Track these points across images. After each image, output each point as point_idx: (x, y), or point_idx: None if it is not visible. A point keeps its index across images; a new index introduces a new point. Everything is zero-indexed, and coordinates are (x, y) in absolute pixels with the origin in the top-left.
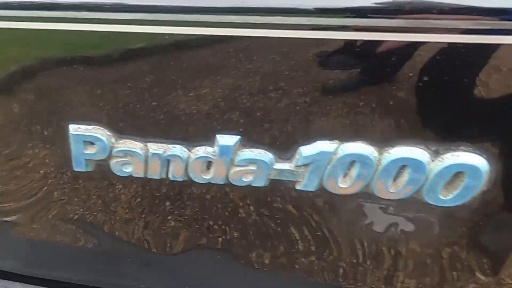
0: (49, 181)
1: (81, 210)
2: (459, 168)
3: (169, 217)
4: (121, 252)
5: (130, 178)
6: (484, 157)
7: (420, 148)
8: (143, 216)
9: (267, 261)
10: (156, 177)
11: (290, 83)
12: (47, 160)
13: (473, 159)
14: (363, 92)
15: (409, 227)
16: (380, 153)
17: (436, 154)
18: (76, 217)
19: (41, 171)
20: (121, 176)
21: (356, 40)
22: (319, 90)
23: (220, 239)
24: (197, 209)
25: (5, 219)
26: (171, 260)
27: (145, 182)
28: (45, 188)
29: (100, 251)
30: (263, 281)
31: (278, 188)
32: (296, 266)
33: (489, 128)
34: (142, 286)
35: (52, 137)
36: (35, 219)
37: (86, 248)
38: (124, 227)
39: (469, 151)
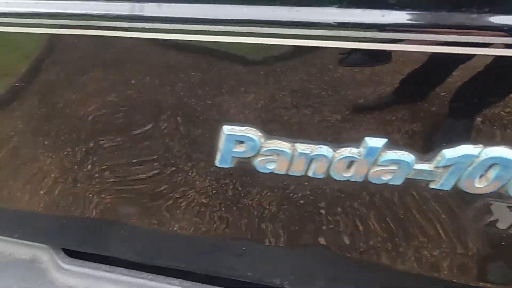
0: (189, 175)
1: (217, 203)
2: None
3: (302, 209)
4: (249, 243)
5: (271, 175)
6: None
7: None
8: (275, 208)
9: (395, 255)
10: (297, 174)
11: (436, 92)
12: (189, 156)
13: None
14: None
15: None
16: None
17: None
18: (210, 209)
19: (183, 167)
20: (262, 173)
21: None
22: (463, 97)
23: (348, 230)
24: (329, 203)
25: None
26: (304, 254)
27: (284, 178)
28: (184, 182)
29: (232, 241)
30: (396, 276)
31: (413, 186)
32: (423, 261)
33: None
34: (286, 282)
35: (202, 136)
36: (171, 211)
37: (220, 238)
38: (255, 220)
39: None
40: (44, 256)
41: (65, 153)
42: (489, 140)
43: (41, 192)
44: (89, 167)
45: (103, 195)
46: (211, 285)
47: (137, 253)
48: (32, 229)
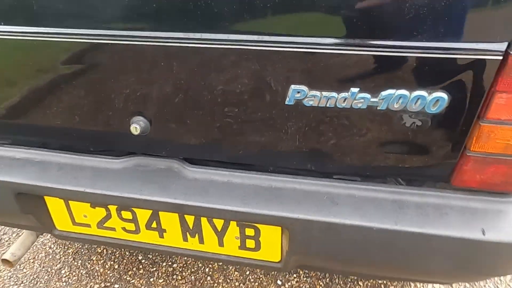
0: (271, 109)
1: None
2: None
3: (329, 126)
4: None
5: (311, 107)
6: None
7: None
8: (313, 124)
9: None
10: (325, 106)
11: None
12: (270, 100)
13: None
14: None
15: None
16: None
17: None
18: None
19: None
20: (306, 106)
21: None
22: None
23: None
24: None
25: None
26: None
27: (316, 108)
28: (268, 112)
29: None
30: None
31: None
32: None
33: None
34: None
35: (280, 90)
36: (260, 128)
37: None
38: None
39: None
40: (175, 164)
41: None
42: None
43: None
44: (222, 113)
45: (216, 126)
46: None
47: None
48: (169, 148)
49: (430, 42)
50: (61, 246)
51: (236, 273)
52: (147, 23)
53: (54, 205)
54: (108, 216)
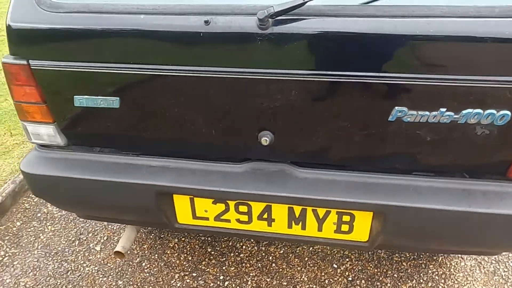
0: (375, 125)
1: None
2: None
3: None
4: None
5: (410, 123)
6: None
7: None
8: (413, 136)
9: None
10: (424, 121)
11: None
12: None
13: None
14: None
15: None
16: None
17: None
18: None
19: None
20: (404, 122)
21: None
22: None
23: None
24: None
25: None
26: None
27: (415, 124)
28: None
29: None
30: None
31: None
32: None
33: None
34: None
35: (383, 110)
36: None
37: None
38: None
39: None
40: (286, 167)
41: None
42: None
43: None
44: (335, 127)
45: (329, 137)
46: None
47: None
48: (283, 154)
49: (501, 76)
50: (135, 242)
51: (296, 259)
52: (293, 64)
53: (180, 202)
54: (226, 210)
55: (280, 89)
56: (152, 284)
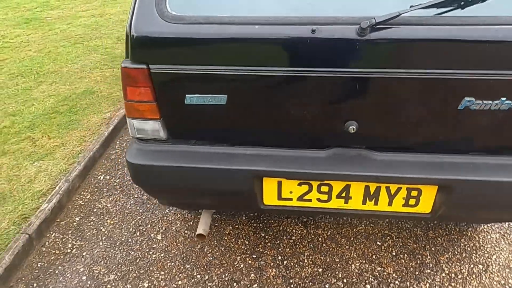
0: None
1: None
2: None
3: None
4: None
5: (472, 110)
6: None
7: None
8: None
9: None
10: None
11: None
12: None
13: None
14: None
15: None
16: None
17: None
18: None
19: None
20: (471, 109)
21: None
22: None
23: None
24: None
25: None
26: None
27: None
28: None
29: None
30: None
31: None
32: None
33: None
34: None
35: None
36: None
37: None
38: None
39: None
40: (363, 152)
41: None
42: None
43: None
44: (412, 116)
45: (405, 124)
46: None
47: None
48: (362, 140)
49: None
50: (193, 231)
51: (343, 239)
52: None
53: (269, 185)
54: (309, 191)
55: (370, 85)
56: (217, 266)
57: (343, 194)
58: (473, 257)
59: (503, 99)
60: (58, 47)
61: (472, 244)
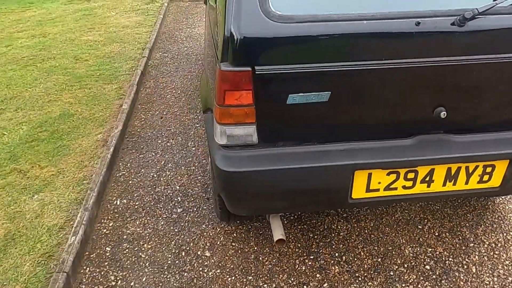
0: None
1: None
2: None
3: None
4: None
5: None
6: None
7: None
8: None
9: None
10: None
11: None
12: None
13: None
14: None
15: None
16: None
17: None
18: None
19: None
20: None
21: None
22: None
23: None
24: None
25: None
26: None
27: None
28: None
29: None
30: None
31: None
32: None
33: None
34: None
35: None
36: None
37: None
38: None
39: None
40: (444, 136)
41: None
42: None
43: None
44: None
45: (485, 108)
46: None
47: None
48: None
49: None
50: (242, 242)
51: (387, 228)
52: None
53: (359, 178)
54: (396, 179)
55: (464, 71)
56: (280, 273)
57: (427, 179)
58: (503, 226)
59: None
60: (6, 71)
61: (497, 216)
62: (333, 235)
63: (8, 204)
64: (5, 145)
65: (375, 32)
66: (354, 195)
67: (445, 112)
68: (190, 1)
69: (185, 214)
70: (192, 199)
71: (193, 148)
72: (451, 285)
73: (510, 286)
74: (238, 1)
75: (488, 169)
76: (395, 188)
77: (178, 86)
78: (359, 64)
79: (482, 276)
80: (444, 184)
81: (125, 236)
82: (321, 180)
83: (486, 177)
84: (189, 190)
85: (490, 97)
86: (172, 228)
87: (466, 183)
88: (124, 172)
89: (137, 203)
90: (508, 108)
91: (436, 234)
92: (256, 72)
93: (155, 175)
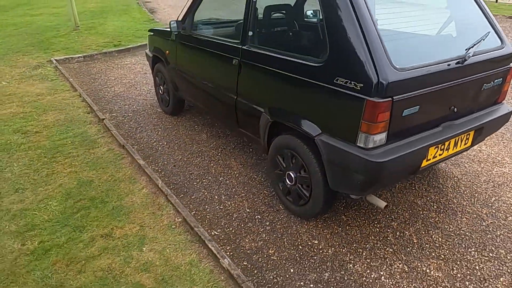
0: None
1: None
2: None
3: None
4: None
5: None
6: None
7: None
8: None
9: None
10: None
11: None
12: None
13: None
14: None
15: None
16: None
17: None
18: None
19: None
20: None
21: None
22: None
23: None
24: None
25: None
26: None
27: None
28: None
29: None
30: None
31: None
32: None
33: None
34: None
35: None
36: None
37: None
38: None
39: None
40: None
41: None
42: None
43: None
44: None
45: None
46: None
47: None
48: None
49: None
50: (320, 237)
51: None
52: None
53: (431, 151)
54: (437, 150)
55: (465, 85)
56: (367, 240)
57: (448, 147)
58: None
59: None
60: None
61: None
62: (390, 232)
63: (127, 261)
64: (51, 222)
65: (445, 69)
66: (422, 164)
67: (455, 109)
68: (77, 62)
69: (274, 224)
70: (266, 214)
71: (219, 175)
72: None
73: None
74: (379, 62)
75: (467, 137)
76: (435, 156)
77: (163, 137)
78: (437, 88)
79: None
80: (453, 149)
81: (248, 251)
82: (417, 157)
83: (466, 141)
84: (258, 208)
85: (472, 97)
86: (274, 235)
87: (460, 146)
88: (195, 211)
89: (230, 229)
90: (476, 101)
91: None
92: (394, 100)
93: (221, 206)
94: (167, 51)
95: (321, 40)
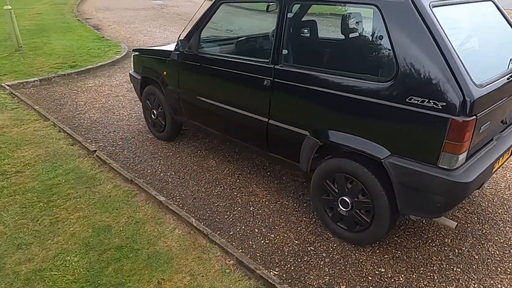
0: None
1: None
2: None
3: None
4: None
5: None
6: None
7: None
8: None
9: None
10: None
11: None
12: None
13: None
14: None
15: None
16: None
17: None
18: None
19: None
20: None
21: None
22: None
23: None
24: None
25: None
26: None
27: None
28: None
29: None
30: None
31: None
32: None
33: None
34: None
35: None
36: None
37: None
38: None
39: None
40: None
41: None
42: None
43: None
44: None
45: None
46: None
47: None
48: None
49: None
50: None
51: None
52: None
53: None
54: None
55: None
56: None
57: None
58: None
59: None
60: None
61: None
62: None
63: None
64: (78, 283)
65: (508, 82)
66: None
67: (506, 120)
68: (33, 86)
69: (331, 255)
70: (318, 245)
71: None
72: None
73: None
74: (462, 80)
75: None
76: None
77: (168, 167)
78: (502, 101)
79: None
80: (501, 160)
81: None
82: (488, 172)
83: (509, 153)
84: (307, 239)
85: None
86: (337, 267)
87: (505, 157)
88: (241, 249)
89: (288, 266)
90: None
91: None
92: (478, 117)
93: (266, 241)
94: (164, 72)
95: (385, 58)
